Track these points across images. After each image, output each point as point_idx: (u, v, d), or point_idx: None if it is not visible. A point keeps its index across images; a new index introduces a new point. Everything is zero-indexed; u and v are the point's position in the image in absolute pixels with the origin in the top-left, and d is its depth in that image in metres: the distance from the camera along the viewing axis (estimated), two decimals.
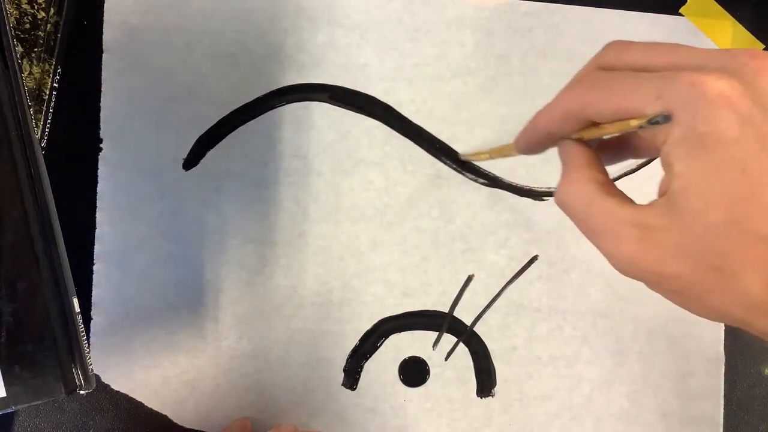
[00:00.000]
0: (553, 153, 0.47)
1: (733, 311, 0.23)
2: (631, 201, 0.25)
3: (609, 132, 0.26)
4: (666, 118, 0.23)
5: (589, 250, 0.46)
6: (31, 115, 0.36)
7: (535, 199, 0.46)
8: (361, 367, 0.45)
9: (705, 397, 0.46)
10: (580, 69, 0.28)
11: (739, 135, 0.22)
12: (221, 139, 0.45)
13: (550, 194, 0.46)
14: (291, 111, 0.45)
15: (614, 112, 0.25)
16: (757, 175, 0.21)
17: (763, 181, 0.22)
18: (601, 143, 0.30)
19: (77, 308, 0.36)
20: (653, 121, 0.23)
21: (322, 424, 0.45)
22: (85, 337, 0.36)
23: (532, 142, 0.30)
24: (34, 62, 0.42)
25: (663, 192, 0.23)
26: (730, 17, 0.49)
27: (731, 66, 0.23)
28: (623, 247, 0.24)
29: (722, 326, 0.47)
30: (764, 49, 0.49)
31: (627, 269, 0.24)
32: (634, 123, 0.24)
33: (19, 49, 0.42)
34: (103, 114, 0.44)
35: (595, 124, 0.27)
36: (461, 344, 0.46)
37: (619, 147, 0.30)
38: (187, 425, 0.44)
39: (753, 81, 0.22)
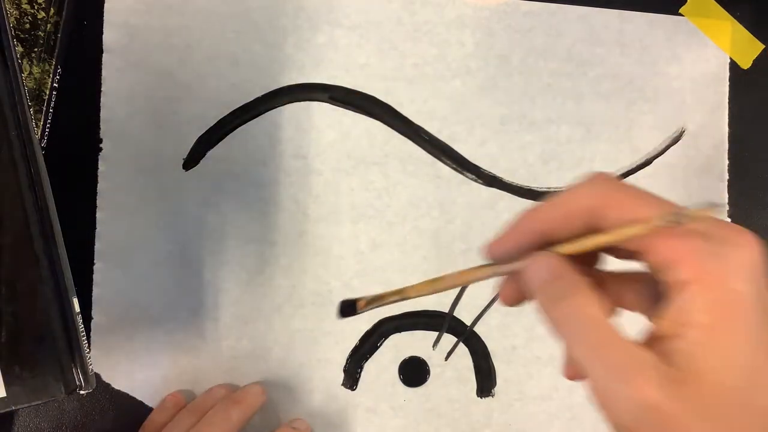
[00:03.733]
0: (551, 154, 0.47)
1: None
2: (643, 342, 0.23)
3: (613, 237, 0.23)
4: (682, 217, 0.21)
5: None
6: (31, 115, 0.36)
7: (535, 200, 0.46)
8: (361, 367, 0.45)
9: None
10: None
11: (761, 299, 0.21)
12: (221, 139, 0.45)
13: (550, 194, 0.46)
14: (291, 111, 0.45)
15: (625, 219, 0.23)
16: (765, 348, 0.21)
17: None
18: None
19: (77, 308, 0.36)
20: (670, 220, 0.22)
21: (322, 424, 0.45)
22: (85, 337, 0.36)
23: (508, 247, 0.25)
24: (34, 62, 0.42)
25: (673, 333, 0.22)
26: (730, 17, 0.49)
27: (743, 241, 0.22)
28: (641, 391, 0.21)
29: None
30: (763, 50, 0.49)
31: (639, 410, 0.21)
32: (654, 221, 0.22)
33: (19, 49, 0.42)
34: (103, 114, 0.44)
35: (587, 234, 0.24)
36: (461, 344, 0.46)
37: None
38: None
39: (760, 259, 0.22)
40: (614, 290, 0.26)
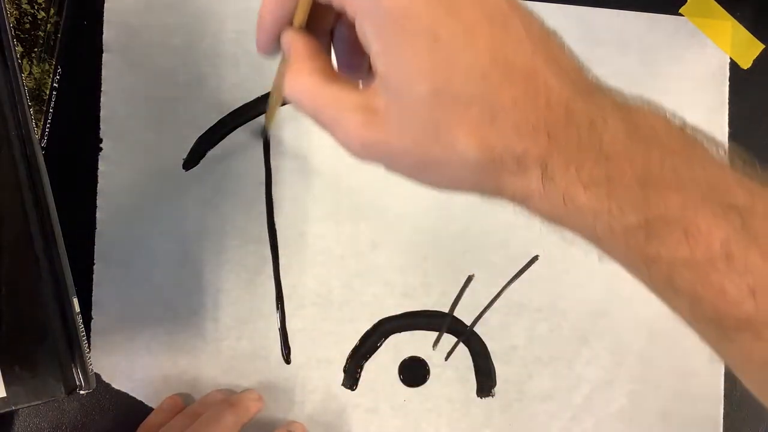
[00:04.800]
0: None
1: (461, 177, 0.23)
2: (356, 85, 0.25)
3: None
4: None
5: (589, 249, 0.46)
6: (31, 115, 0.36)
7: None
8: (361, 367, 0.45)
9: (705, 397, 0.46)
10: None
11: (423, 4, 0.22)
12: (221, 139, 0.45)
13: None
14: (291, 111, 0.45)
15: None
16: (449, 41, 0.22)
17: (455, 46, 0.22)
18: (343, 52, 0.29)
19: (77, 308, 0.36)
20: None
21: (322, 424, 0.45)
22: (85, 337, 0.36)
23: (268, 40, 0.27)
24: (34, 62, 0.42)
25: (372, 66, 0.23)
26: (730, 17, 0.49)
27: None
28: (352, 132, 0.24)
29: None
30: (763, 50, 0.49)
31: (362, 153, 0.24)
32: None
33: (19, 49, 0.42)
34: (103, 114, 0.44)
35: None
36: (461, 344, 0.46)
37: (357, 51, 0.28)
38: None
39: None
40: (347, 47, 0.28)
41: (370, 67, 0.25)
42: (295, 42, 0.26)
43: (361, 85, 0.27)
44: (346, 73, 0.28)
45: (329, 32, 0.28)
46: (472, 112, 0.22)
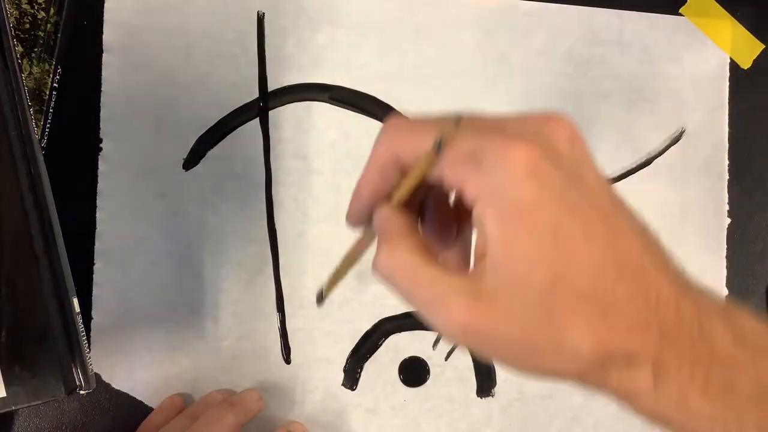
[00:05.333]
0: None
1: (566, 368, 0.23)
2: (456, 268, 0.25)
3: (417, 171, 0.24)
4: (441, 141, 0.23)
5: None
6: (31, 115, 0.36)
7: None
8: (361, 367, 0.45)
9: None
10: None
11: (547, 200, 0.22)
12: (221, 139, 0.45)
13: None
14: (291, 111, 0.45)
15: (414, 157, 0.24)
16: (568, 236, 0.22)
17: (574, 241, 0.22)
18: (432, 223, 0.28)
19: (77, 308, 0.36)
20: (438, 145, 0.23)
21: (322, 424, 0.45)
22: (85, 337, 0.36)
23: (361, 213, 0.27)
24: (34, 62, 0.42)
25: (481, 253, 0.23)
26: (730, 17, 0.49)
27: (530, 127, 0.24)
28: (455, 316, 0.23)
29: None
30: (763, 50, 0.49)
31: (462, 338, 0.24)
32: (425, 155, 0.23)
33: (19, 49, 0.42)
34: (103, 114, 0.44)
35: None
36: None
37: (446, 223, 0.28)
38: None
39: (552, 143, 0.23)
40: (446, 228, 0.28)
41: (456, 242, 0.26)
42: (392, 218, 0.26)
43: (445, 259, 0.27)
44: (433, 242, 0.28)
45: (419, 205, 0.28)
46: (587, 306, 0.22)
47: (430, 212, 0.28)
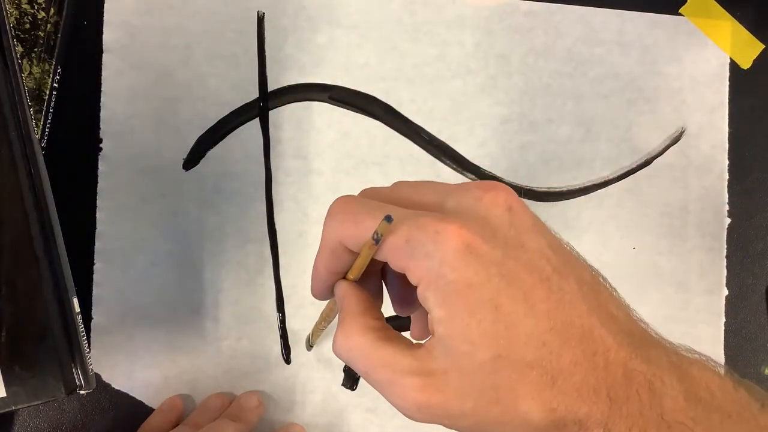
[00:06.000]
0: (551, 154, 0.47)
1: None
2: (409, 344, 0.25)
3: (362, 258, 0.25)
4: (378, 237, 0.24)
5: (589, 249, 0.46)
6: (31, 115, 0.36)
7: (535, 200, 0.46)
8: None
9: None
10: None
11: (485, 276, 0.22)
12: (221, 139, 0.45)
13: (550, 194, 0.46)
14: (291, 111, 0.45)
15: (365, 239, 0.25)
16: (509, 309, 0.22)
17: (516, 313, 0.22)
18: (395, 285, 0.29)
19: (77, 308, 0.36)
20: (376, 239, 0.24)
21: (322, 424, 0.45)
22: (85, 337, 0.36)
23: (322, 288, 0.29)
24: (34, 62, 0.42)
25: (430, 328, 0.24)
26: (730, 17, 0.49)
27: (467, 202, 0.24)
28: (409, 396, 0.24)
29: (722, 326, 0.47)
30: (763, 50, 0.49)
31: (419, 416, 0.24)
32: (366, 244, 0.24)
33: (19, 49, 0.42)
34: (103, 114, 0.44)
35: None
36: None
37: (407, 297, 0.29)
38: None
39: (489, 216, 0.24)
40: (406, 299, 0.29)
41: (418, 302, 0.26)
42: (348, 297, 0.27)
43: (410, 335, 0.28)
44: (397, 307, 0.30)
45: (380, 274, 0.29)
46: (534, 376, 0.22)
47: (392, 277, 0.29)
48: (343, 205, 0.26)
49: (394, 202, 0.26)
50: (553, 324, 0.23)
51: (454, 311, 0.23)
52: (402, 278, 0.25)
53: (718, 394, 0.24)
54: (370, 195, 0.27)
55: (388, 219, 0.23)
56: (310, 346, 0.44)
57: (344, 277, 0.28)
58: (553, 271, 0.23)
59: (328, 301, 0.32)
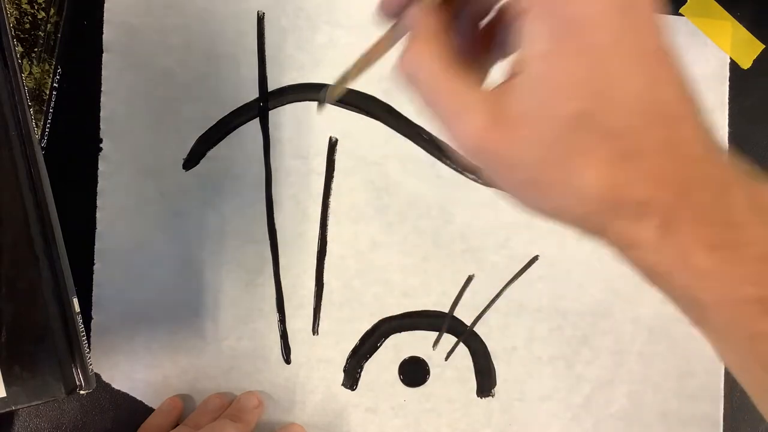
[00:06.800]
0: None
1: (570, 209, 0.22)
2: (481, 83, 0.23)
3: None
4: None
5: (589, 250, 0.46)
6: (31, 115, 0.36)
7: None
8: (361, 367, 0.45)
9: (705, 397, 0.46)
10: None
11: (609, 22, 0.20)
12: (221, 139, 0.45)
13: None
14: (291, 111, 0.45)
15: None
16: (613, 68, 0.21)
17: (617, 75, 0.21)
18: (465, 32, 0.26)
19: (77, 308, 0.36)
20: None
21: (322, 424, 0.45)
22: (85, 337, 0.36)
23: (395, 3, 0.25)
24: (34, 62, 0.42)
25: (514, 72, 0.22)
26: (730, 17, 0.49)
27: None
28: (472, 132, 0.22)
29: None
30: (763, 50, 0.49)
31: (474, 156, 0.22)
32: None
33: (19, 49, 0.42)
34: (103, 114, 0.44)
35: None
36: (461, 344, 0.46)
37: (481, 35, 0.26)
38: None
39: None
40: (485, 40, 0.26)
41: (486, 57, 0.24)
42: (424, 19, 0.24)
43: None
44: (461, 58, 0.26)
45: (457, 15, 0.25)
46: (609, 146, 0.21)
47: (467, 19, 0.26)
48: None
49: None
50: (645, 100, 0.21)
51: (561, 49, 0.20)
52: (480, 20, 0.23)
53: None
54: None
55: None
56: (324, 99, 0.34)
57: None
58: (657, 50, 0.22)
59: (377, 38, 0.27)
